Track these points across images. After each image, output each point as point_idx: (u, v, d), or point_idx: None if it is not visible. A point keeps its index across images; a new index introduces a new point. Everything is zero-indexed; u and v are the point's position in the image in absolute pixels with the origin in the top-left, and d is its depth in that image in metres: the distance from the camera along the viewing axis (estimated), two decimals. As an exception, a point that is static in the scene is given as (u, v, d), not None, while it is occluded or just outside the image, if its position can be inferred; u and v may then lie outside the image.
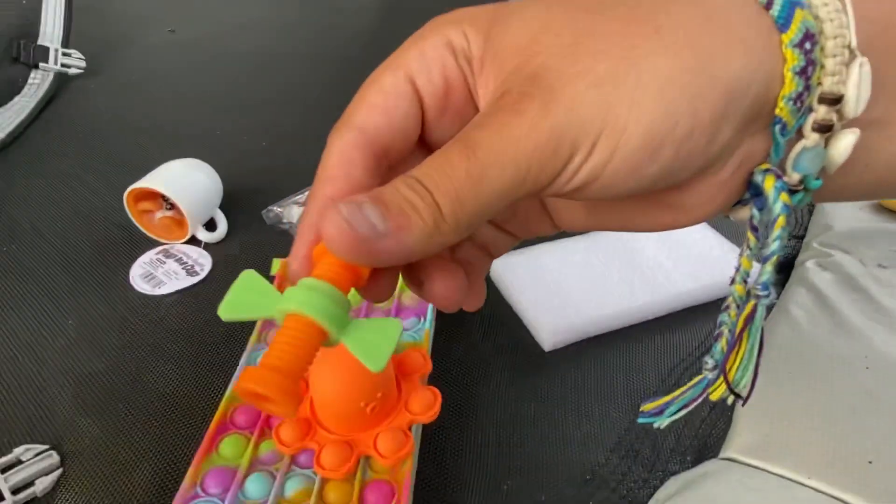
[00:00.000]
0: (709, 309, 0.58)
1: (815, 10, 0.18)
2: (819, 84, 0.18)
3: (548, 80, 0.17)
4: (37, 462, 0.42)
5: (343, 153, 0.20)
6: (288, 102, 0.92)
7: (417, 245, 0.18)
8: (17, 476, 0.41)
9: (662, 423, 0.25)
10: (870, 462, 0.41)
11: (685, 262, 0.60)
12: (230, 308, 0.20)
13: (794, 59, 0.17)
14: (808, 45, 0.17)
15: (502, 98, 0.18)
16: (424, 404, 0.41)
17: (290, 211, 0.65)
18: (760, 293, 0.20)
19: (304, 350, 0.19)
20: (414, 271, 0.22)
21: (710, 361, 0.23)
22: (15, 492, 0.40)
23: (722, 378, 0.22)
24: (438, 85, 0.21)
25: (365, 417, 0.39)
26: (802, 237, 0.66)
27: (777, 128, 0.18)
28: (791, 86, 0.17)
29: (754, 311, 0.21)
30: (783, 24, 0.17)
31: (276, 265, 0.56)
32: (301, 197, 0.66)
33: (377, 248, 0.17)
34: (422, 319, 0.50)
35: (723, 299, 0.22)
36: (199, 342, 0.52)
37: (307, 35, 1.16)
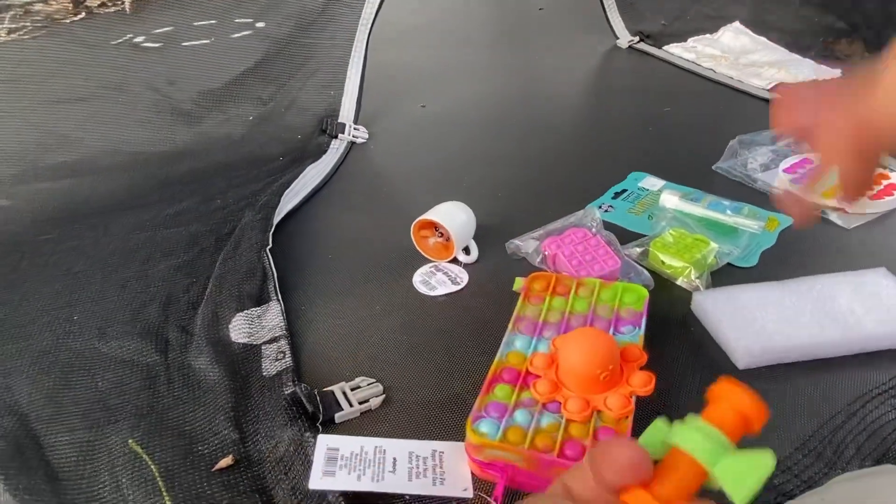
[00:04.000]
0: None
1: None
2: None
3: None
4: (370, 388, 0.63)
5: None
6: (513, 162, 1.13)
7: None
8: (359, 394, 0.62)
9: None
10: None
11: (877, 310, 0.67)
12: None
13: None
14: None
15: None
16: (642, 382, 0.55)
17: (528, 244, 0.83)
18: None
19: (686, 484, 0.23)
20: None
21: None
22: (360, 403, 0.61)
23: None
24: None
25: (598, 383, 0.55)
26: None
27: None
28: None
29: None
30: None
31: (518, 283, 0.74)
32: (536, 233, 0.84)
33: None
34: (636, 328, 0.64)
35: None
36: (464, 328, 0.73)
37: (528, 106, 1.39)
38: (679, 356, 0.67)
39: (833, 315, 0.67)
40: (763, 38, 1.56)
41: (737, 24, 1.61)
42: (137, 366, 0.68)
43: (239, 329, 0.71)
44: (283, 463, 0.55)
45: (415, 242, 0.85)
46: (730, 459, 0.22)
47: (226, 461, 0.56)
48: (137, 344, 0.71)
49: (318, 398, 0.60)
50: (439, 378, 0.66)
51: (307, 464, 0.54)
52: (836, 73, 1.39)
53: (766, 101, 1.30)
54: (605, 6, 1.64)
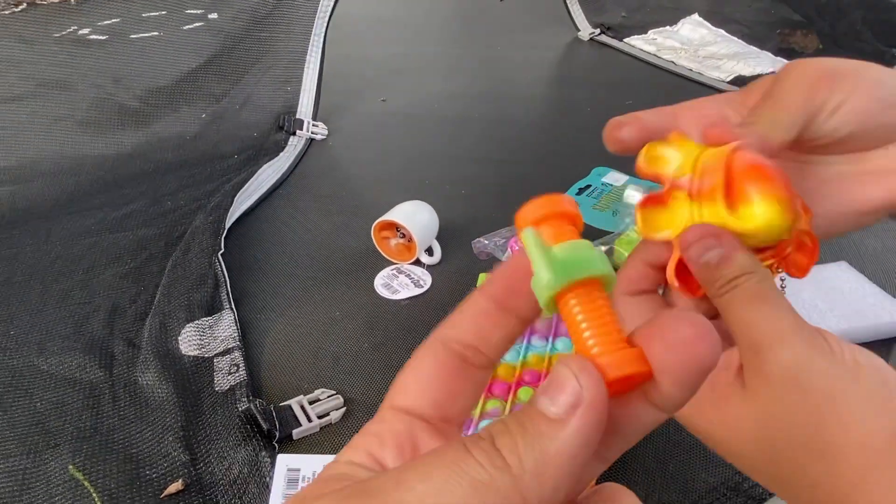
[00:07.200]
0: (862, 347, 0.64)
1: None
2: None
3: None
4: (330, 400, 0.60)
5: None
6: (476, 158, 1.11)
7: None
8: (318, 408, 0.59)
9: None
10: None
11: (840, 306, 0.67)
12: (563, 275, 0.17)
13: None
14: None
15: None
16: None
17: (494, 243, 0.81)
18: None
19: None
20: None
21: None
22: (319, 418, 0.59)
23: None
24: None
25: None
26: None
27: None
28: None
29: None
30: None
31: (482, 278, 0.73)
32: (503, 231, 0.83)
33: None
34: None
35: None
36: (428, 333, 0.70)
37: (490, 100, 1.37)
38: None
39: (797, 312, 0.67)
40: (721, 30, 1.57)
41: (695, 16, 1.62)
42: (79, 383, 0.64)
43: (189, 341, 0.67)
44: (236, 486, 0.52)
45: (375, 244, 0.83)
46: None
47: (175, 486, 0.52)
48: (80, 359, 0.66)
49: (274, 414, 0.57)
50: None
51: (263, 486, 0.51)
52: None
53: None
54: (567, -2, 1.63)
